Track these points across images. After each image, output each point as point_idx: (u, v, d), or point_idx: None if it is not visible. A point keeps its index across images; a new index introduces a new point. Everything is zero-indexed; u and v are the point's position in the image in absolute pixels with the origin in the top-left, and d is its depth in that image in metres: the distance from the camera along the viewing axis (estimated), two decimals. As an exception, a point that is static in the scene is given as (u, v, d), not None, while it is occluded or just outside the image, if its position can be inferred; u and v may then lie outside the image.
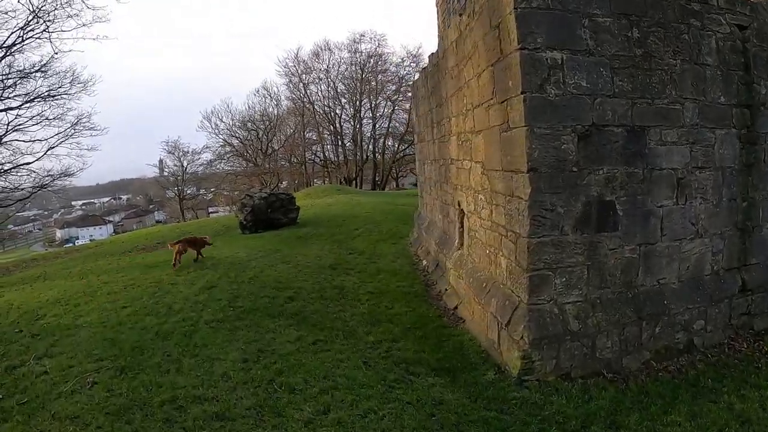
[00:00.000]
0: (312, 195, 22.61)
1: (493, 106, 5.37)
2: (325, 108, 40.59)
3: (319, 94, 40.65)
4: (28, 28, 14.77)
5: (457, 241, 7.72)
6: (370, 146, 41.38)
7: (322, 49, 40.16)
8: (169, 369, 5.05)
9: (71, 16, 14.96)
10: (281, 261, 9.70)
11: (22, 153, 17.07)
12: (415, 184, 42.55)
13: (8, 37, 14.66)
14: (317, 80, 40.42)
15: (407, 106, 39.00)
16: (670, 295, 5.16)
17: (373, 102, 40.21)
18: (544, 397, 4.50)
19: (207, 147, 40.67)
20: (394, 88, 39.80)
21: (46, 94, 16.46)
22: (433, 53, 8.95)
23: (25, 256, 20.46)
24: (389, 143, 42.20)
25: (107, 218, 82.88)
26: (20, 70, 15.66)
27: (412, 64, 38.89)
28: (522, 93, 4.57)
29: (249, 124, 41.07)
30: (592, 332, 4.84)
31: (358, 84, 39.49)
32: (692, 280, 5.27)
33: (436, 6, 12.56)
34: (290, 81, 40.57)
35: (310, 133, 41.43)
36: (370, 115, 40.57)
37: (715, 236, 5.32)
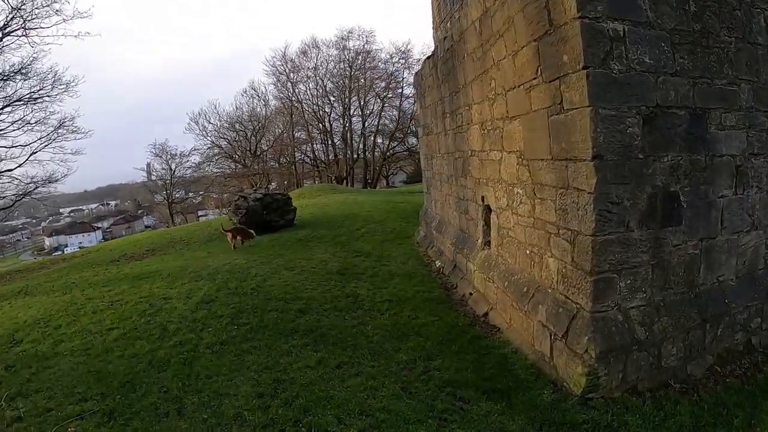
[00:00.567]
0: (305, 195, 20.51)
1: (538, 86, 4.26)
2: (314, 107, 37.28)
3: (308, 92, 37.25)
4: (8, 29, 12.66)
5: (480, 240, 6.55)
6: (360, 144, 38.31)
7: (309, 47, 36.86)
8: (168, 411, 3.72)
9: (56, 12, 12.83)
10: (284, 267, 8.16)
11: (1, 159, 14.87)
12: (406, 182, 41.14)
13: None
14: (305, 79, 37.02)
15: (397, 102, 37.16)
16: (730, 293, 4.21)
17: (363, 99, 37.14)
18: (616, 418, 3.45)
19: (195, 149, 36.83)
20: (383, 84, 36.83)
21: (27, 97, 14.27)
22: (446, 37, 7.63)
23: (14, 267, 17.96)
24: (379, 141, 39.23)
25: (96, 225, 76.90)
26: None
27: (401, 60, 36.33)
28: (584, 68, 3.47)
29: (237, 125, 37.40)
30: (658, 339, 3.82)
31: (347, 81, 36.30)
32: (748, 275, 4.34)
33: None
34: (278, 80, 37.15)
35: (299, 133, 38.05)
36: (360, 112, 37.53)
37: (765, 228, 4.41)
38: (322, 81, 36.83)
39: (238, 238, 10.76)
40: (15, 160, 15.11)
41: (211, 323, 5.56)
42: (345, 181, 36.23)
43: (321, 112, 37.45)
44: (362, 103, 37.29)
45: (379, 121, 37.81)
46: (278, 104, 38.17)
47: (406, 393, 3.89)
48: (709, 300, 4.09)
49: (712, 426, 3.37)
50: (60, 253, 35.53)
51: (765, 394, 3.71)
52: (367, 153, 38.55)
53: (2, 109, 14.05)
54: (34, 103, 14.58)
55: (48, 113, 15.27)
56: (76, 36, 14.61)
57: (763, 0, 4.23)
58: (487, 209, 6.24)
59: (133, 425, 3.54)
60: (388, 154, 39.32)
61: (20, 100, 14.28)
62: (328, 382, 4.05)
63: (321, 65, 36.81)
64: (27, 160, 15.26)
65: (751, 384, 3.85)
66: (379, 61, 36.70)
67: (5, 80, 13.71)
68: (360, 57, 36.14)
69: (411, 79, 37.46)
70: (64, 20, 14.44)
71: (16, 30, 12.91)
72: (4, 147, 14.76)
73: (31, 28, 13.03)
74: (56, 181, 16.45)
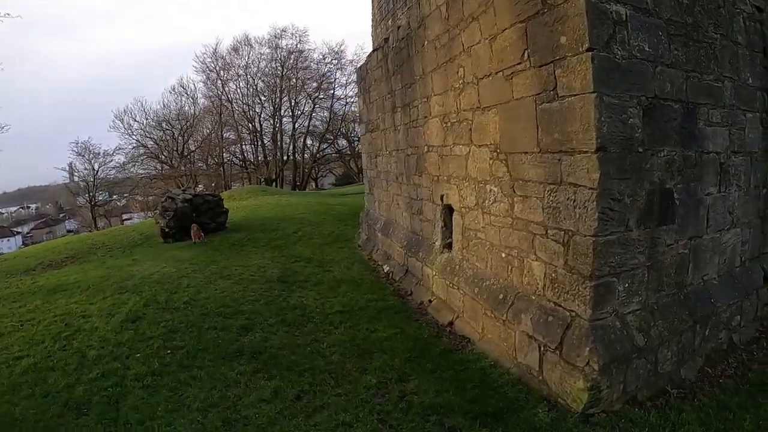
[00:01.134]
0: (235, 197, 19.42)
1: (523, 72, 3.96)
2: (244, 106, 36.57)
3: (238, 91, 36.58)
4: None
5: (438, 243, 6.21)
6: (290, 146, 38.11)
7: (242, 45, 36.26)
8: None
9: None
10: (219, 276, 7.31)
11: None
12: (335, 184, 41.47)
13: None
14: (236, 77, 36.39)
15: (328, 104, 37.32)
16: (714, 293, 4.22)
17: (293, 100, 36.96)
18: None
19: (120, 148, 34.57)
20: (315, 85, 36.83)
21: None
22: (400, 25, 7.21)
23: None
24: (309, 142, 39.29)
25: (15, 229, 68.31)
26: None
27: (333, 60, 36.70)
28: (588, 50, 3.21)
29: (164, 124, 35.89)
30: (655, 345, 3.67)
31: (279, 81, 35.91)
32: (728, 274, 4.40)
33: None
34: (208, 78, 36.34)
35: (229, 133, 37.19)
36: (290, 113, 37.33)
37: (744, 226, 4.53)
38: (253, 80, 36.39)
39: (201, 234, 10.65)
40: None
41: (140, 347, 4.64)
42: (274, 183, 35.71)
43: (251, 112, 36.83)
44: (293, 104, 37.17)
45: (309, 123, 37.99)
46: (207, 103, 37.26)
47: (386, 426, 3.35)
48: (697, 300, 4.05)
49: (725, 429, 3.24)
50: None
51: (763, 393, 3.69)
52: (296, 155, 38.50)
53: None
54: None
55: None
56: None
57: (741, 1, 4.35)
58: (448, 209, 5.93)
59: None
60: (317, 155, 39.48)
61: None
62: (290, 421, 3.39)
63: (252, 63, 36.41)
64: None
65: (745, 383, 3.83)
66: (311, 61, 36.98)
67: None
68: (292, 56, 36.15)
69: (343, 80, 37.66)
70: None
71: None
72: None
73: None
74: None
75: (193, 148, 36.88)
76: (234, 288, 6.73)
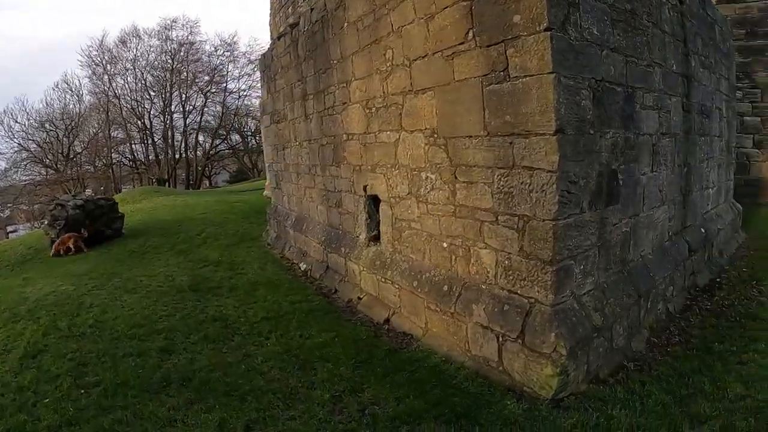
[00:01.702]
0: (128, 200, 17.74)
1: (467, 52, 3.86)
2: (133, 102, 34.39)
3: (126, 86, 34.31)
4: None
5: (363, 236, 6.03)
6: (182, 143, 36.39)
7: (129, 36, 34.13)
8: None
9: None
10: (125, 290, 6.51)
11: None
12: (230, 181, 40.00)
13: None
14: (124, 71, 34.10)
15: (220, 98, 36.51)
16: (652, 267, 4.56)
17: (185, 94, 35.28)
18: (601, 414, 3.25)
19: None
20: (207, 78, 35.61)
21: None
22: (313, 7, 6.81)
23: None
24: (201, 139, 37.98)
25: None
26: None
27: (226, 53, 35.90)
28: (547, 29, 3.17)
29: (47, 125, 32.96)
30: (610, 322, 3.85)
31: (169, 75, 34.20)
32: (659, 248, 4.79)
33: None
34: (93, 73, 33.57)
35: (117, 132, 34.67)
36: (181, 108, 35.60)
37: (670, 202, 4.97)
38: (142, 74, 34.42)
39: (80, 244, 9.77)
40: None
41: (47, 390, 3.82)
42: (167, 183, 34.01)
43: (140, 109, 34.86)
44: (184, 99, 35.70)
45: (201, 118, 36.84)
46: (93, 100, 34.65)
47: (358, 446, 3.08)
48: (639, 275, 4.34)
49: (692, 396, 3.43)
50: None
51: (710, 355, 4.03)
52: (189, 152, 37.17)
53: None
54: None
55: None
56: None
57: None
58: (372, 200, 5.81)
59: None
60: (211, 152, 38.57)
61: None
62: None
63: (141, 56, 34.49)
64: None
65: (691, 348, 4.17)
66: (203, 54, 35.88)
67: None
68: (183, 48, 34.81)
69: (236, 73, 37.54)
70: None
71: None
72: None
73: None
74: None
75: (80, 150, 34.24)
76: (143, 303, 5.99)
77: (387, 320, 5.28)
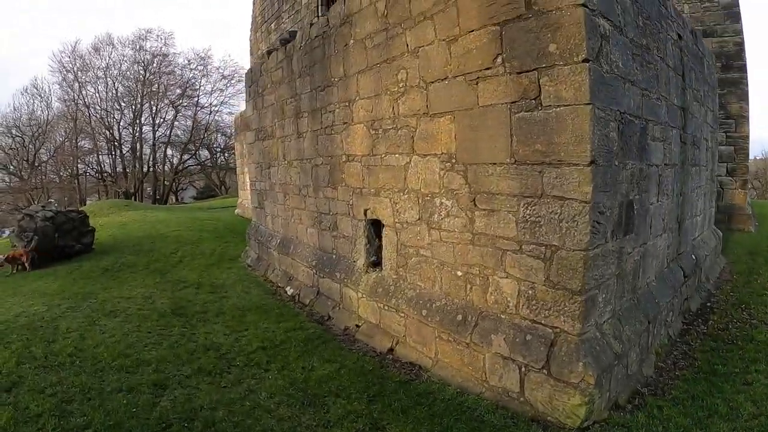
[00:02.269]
0: (96, 213, 16.67)
1: (494, 78, 3.91)
2: (102, 112, 34.06)
3: (97, 95, 34.08)
4: None
5: (361, 261, 5.94)
6: (151, 157, 36.14)
7: (103, 44, 34.23)
8: None
9: None
10: (102, 313, 6.03)
11: None
12: (197, 198, 39.09)
13: None
14: (95, 79, 33.97)
15: (191, 112, 36.76)
16: (656, 293, 4.76)
17: (156, 107, 35.18)
18: None
19: None
20: (179, 92, 35.90)
21: None
22: (313, 23, 6.75)
23: None
24: (170, 153, 37.91)
25: None
26: None
27: (199, 66, 36.68)
28: (585, 61, 3.28)
29: (14, 130, 32.51)
30: (627, 349, 3.96)
31: (140, 86, 34.18)
32: (660, 275, 5.02)
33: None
34: (64, 79, 33.26)
35: (84, 141, 34.01)
36: (151, 121, 35.39)
37: (669, 230, 5.23)
38: (114, 83, 34.45)
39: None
40: None
41: None
42: (134, 196, 33.37)
43: (109, 119, 34.61)
44: (155, 111, 35.60)
45: (171, 132, 36.78)
46: (62, 107, 34.25)
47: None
48: (646, 302, 4.51)
49: (709, 417, 3.59)
50: None
51: (717, 377, 4.24)
52: (157, 166, 37.08)
53: None
54: None
55: None
56: None
57: (670, 27, 5.00)
58: (373, 225, 5.75)
59: None
60: (179, 167, 38.42)
61: None
62: None
63: (114, 65, 34.57)
64: None
65: (698, 371, 4.38)
66: (175, 66, 36.13)
67: None
68: (156, 60, 35.06)
69: (209, 88, 37.42)
70: None
71: None
72: None
73: None
74: None
75: (45, 158, 33.64)
76: (125, 328, 5.56)
77: (391, 350, 5.18)
